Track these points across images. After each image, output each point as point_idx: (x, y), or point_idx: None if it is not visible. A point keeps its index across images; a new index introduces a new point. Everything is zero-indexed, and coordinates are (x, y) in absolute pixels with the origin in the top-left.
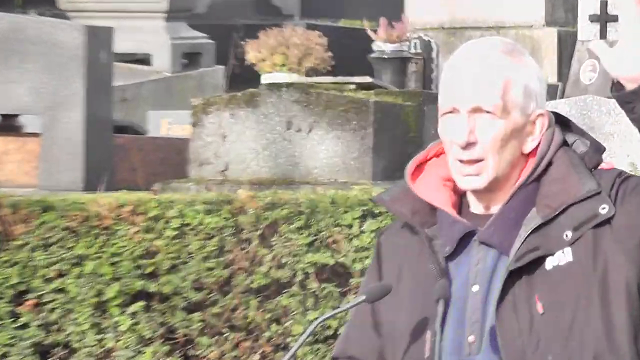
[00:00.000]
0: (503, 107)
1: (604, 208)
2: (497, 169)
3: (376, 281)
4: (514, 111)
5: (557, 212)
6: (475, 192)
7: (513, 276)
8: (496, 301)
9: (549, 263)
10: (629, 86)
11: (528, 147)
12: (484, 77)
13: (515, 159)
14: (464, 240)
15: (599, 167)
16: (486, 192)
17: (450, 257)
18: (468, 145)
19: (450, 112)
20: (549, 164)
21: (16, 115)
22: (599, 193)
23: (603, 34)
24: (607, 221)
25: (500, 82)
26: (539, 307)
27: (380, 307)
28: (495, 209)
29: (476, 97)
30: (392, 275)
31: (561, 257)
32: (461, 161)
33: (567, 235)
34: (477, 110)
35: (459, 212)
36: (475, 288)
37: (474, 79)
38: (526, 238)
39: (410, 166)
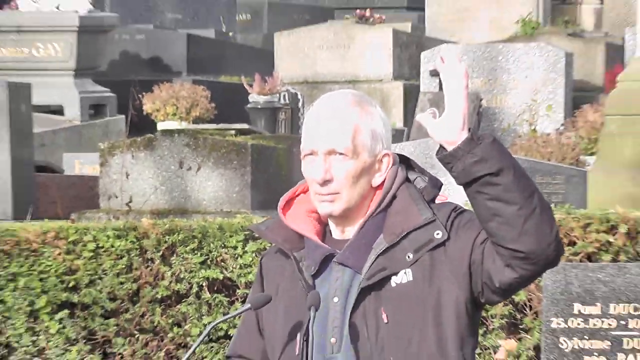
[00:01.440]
0: (353, 149)
1: (438, 234)
2: (349, 200)
3: (259, 292)
4: (363, 152)
5: (399, 238)
6: (333, 219)
7: (364, 291)
8: (349, 311)
9: (393, 281)
10: (448, 148)
11: (376, 181)
12: (337, 124)
13: (365, 192)
14: (326, 261)
15: (436, 200)
16: (342, 219)
17: (316, 275)
18: (325, 182)
19: (310, 154)
20: (394, 197)
21: None
22: (433, 221)
23: (441, 87)
24: (443, 247)
25: (350, 129)
26: (384, 318)
27: (262, 315)
28: (349, 234)
29: (330, 141)
30: (272, 290)
31: (403, 277)
32: (319, 194)
33: (409, 257)
34: (331, 152)
35: (323, 239)
36: (335, 300)
37: (328, 126)
38: (375, 260)
39: (281, 202)
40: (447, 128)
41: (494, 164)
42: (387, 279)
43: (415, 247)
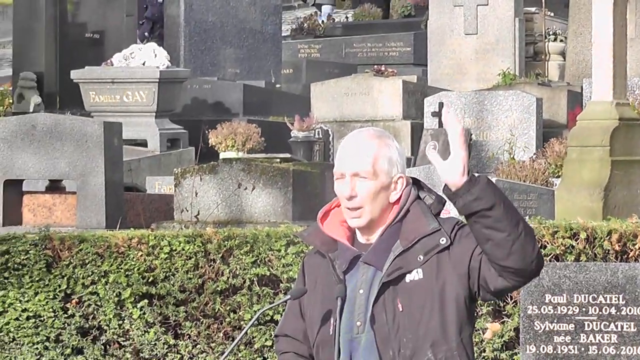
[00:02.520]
0: (373, 172)
1: (442, 240)
2: (372, 213)
3: (302, 284)
4: (380, 174)
5: (412, 243)
6: (359, 229)
7: (384, 286)
8: (372, 301)
9: (408, 278)
10: (452, 188)
11: (393, 198)
12: (360, 153)
13: (384, 206)
14: (354, 261)
15: (441, 214)
16: (366, 229)
17: (346, 271)
18: (351, 198)
19: (340, 177)
20: (407, 211)
21: (60, 180)
22: (439, 230)
23: (440, 125)
24: (447, 251)
25: (371, 156)
26: (400, 307)
27: (304, 303)
28: (372, 240)
29: (355, 166)
30: (311, 283)
31: (415, 275)
32: (348, 208)
33: (420, 258)
34: (355, 174)
35: (352, 243)
36: (361, 291)
37: (353, 155)
38: (393, 260)
39: (320, 213)
40: (452, 172)
41: (487, 201)
42: (403, 276)
43: (425, 250)
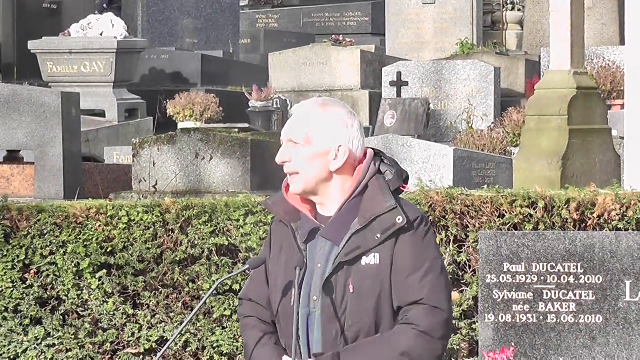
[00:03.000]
0: (305, 139)
1: (399, 219)
2: (306, 180)
3: (267, 253)
4: (315, 142)
5: (369, 221)
6: (310, 198)
7: (340, 265)
8: (324, 278)
9: (364, 260)
10: None
11: (333, 167)
12: (297, 120)
13: (323, 175)
14: (314, 232)
15: (403, 190)
16: (317, 199)
17: (306, 242)
18: (283, 163)
19: (281, 143)
20: (366, 186)
21: (18, 151)
22: (395, 208)
23: (398, 94)
24: (407, 235)
25: (306, 123)
26: (351, 288)
27: (269, 269)
28: (332, 213)
29: (290, 133)
30: (276, 249)
31: (372, 259)
32: (287, 174)
33: (377, 237)
34: (289, 140)
35: (315, 214)
36: (319, 265)
37: (291, 122)
38: (350, 238)
39: (285, 182)
40: None
41: None
42: (359, 257)
43: (382, 229)
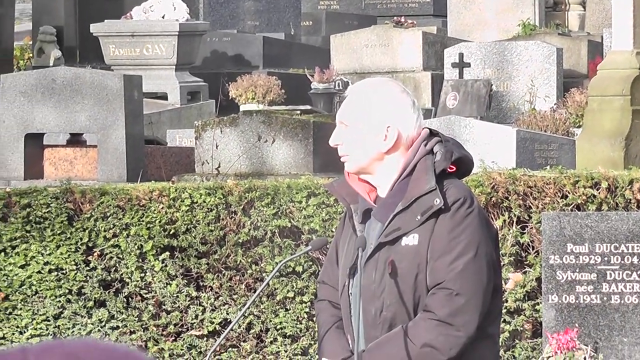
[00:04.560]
0: (355, 119)
1: (436, 201)
2: (358, 160)
3: (340, 234)
4: (364, 123)
5: (409, 202)
6: (365, 178)
7: (380, 245)
8: (366, 258)
9: (404, 241)
10: None
11: (384, 148)
12: (349, 101)
13: (375, 155)
14: (368, 212)
15: (448, 171)
16: (370, 180)
17: (362, 222)
18: (336, 145)
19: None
20: (414, 166)
21: (81, 134)
22: (434, 189)
23: (460, 75)
24: (443, 217)
25: (355, 105)
26: (389, 268)
27: (339, 250)
28: (384, 194)
29: (341, 114)
30: (347, 231)
31: (411, 239)
32: (340, 155)
33: (417, 218)
34: (341, 122)
35: (376, 196)
36: (371, 245)
37: (344, 103)
38: (392, 219)
39: None
40: None
41: None
42: (399, 237)
43: (422, 210)
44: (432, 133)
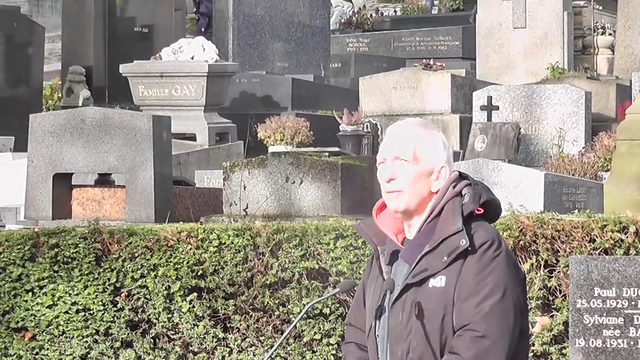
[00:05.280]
0: (413, 157)
1: (462, 242)
2: (410, 199)
3: (366, 276)
4: (422, 161)
5: (437, 243)
6: (402, 218)
7: (407, 286)
8: (393, 299)
9: (431, 283)
10: None
11: (435, 187)
12: (403, 138)
13: (425, 195)
14: (395, 254)
15: (476, 214)
16: (407, 219)
17: (389, 263)
18: (390, 180)
19: (383, 162)
20: (442, 208)
21: (109, 174)
22: (461, 231)
23: (489, 118)
24: (469, 259)
25: (413, 141)
26: (416, 310)
27: (366, 292)
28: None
29: (396, 150)
30: (375, 273)
31: (438, 281)
32: (388, 192)
33: (444, 260)
34: (396, 158)
35: (402, 239)
36: (398, 287)
37: (396, 140)
38: (419, 260)
39: (376, 205)
40: None
41: None
42: (426, 279)
43: (448, 251)
44: (462, 176)
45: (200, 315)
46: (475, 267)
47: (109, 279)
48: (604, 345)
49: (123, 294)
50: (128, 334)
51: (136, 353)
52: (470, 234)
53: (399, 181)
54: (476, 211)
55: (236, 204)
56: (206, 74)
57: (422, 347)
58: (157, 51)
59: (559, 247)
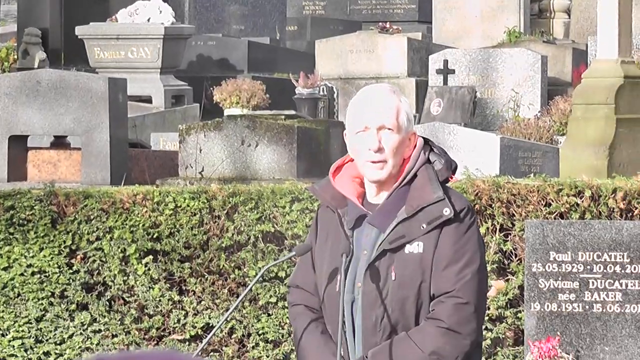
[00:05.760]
0: (398, 126)
1: (446, 211)
2: (392, 167)
3: (314, 239)
4: (402, 129)
5: (415, 211)
6: (375, 184)
7: (383, 252)
8: (368, 264)
9: (407, 249)
10: None
11: (406, 154)
12: (385, 106)
13: (401, 162)
14: (361, 219)
15: (450, 181)
16: (380, 185)
17: (353, 228)
18: (379, 150)
19: (363, 130)
20: (415, 175)
21: (65, 136)
22: (443, 199)
23: (445, 82)
24: (450, 226)
25: (394, 110)
26: (393, 275)
27: (315, 255)
28: (380, 199)
29: (381, 119)
30: (323, 236)
31: (415, 247)
32: (373, 162)
33: (423, 227)
34: (382, 127)
35: (362, 200)
36: (365, 252)
37: (377, 108)
38: (395, 226)
39: (332, 167)
40: None
41: None
42: (403, 245)
43: (428, 220)
44: (425, 141)
45: (156, 278)
46: (454, 234)
47: (64, 242)
48: (559, 309)
49: (79, 257)
50: (83, 296)
51: (92, 315)
52: (451, 202)
53: (386, 151)
54: (449, 178)
55: (192, 167)
56: (162, 37)
57: (398, 313)
58: (114, 13)
59: (515, 211)
